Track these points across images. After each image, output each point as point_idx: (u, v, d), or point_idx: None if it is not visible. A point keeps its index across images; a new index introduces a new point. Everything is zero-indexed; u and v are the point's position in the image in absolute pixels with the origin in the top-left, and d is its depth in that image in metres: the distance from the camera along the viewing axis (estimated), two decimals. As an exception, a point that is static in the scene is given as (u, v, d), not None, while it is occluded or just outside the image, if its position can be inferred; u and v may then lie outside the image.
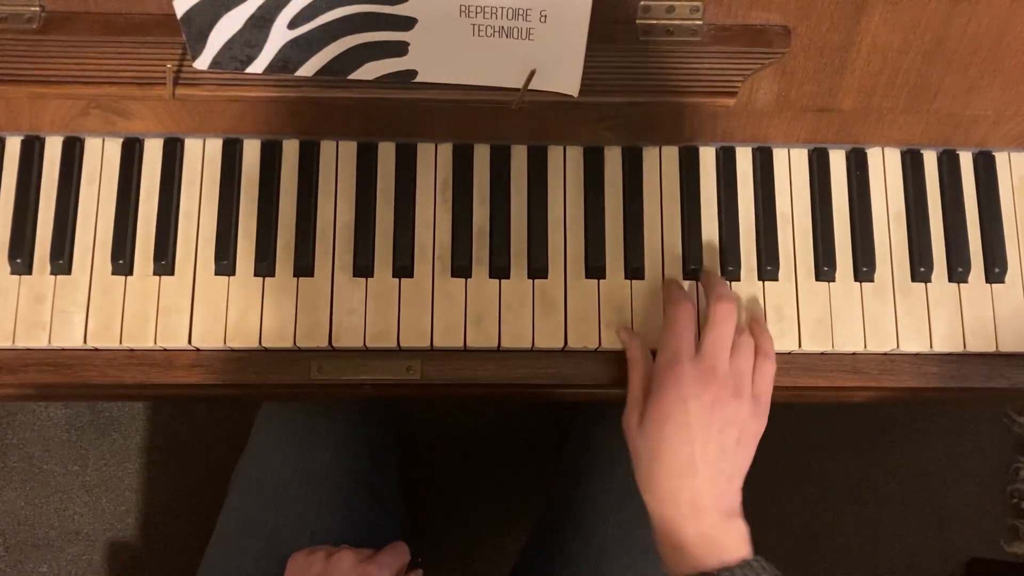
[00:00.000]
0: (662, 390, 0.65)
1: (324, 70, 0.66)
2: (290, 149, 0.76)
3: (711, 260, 0.75)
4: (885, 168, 0.78)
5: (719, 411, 0.64)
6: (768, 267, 0.75)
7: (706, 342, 0.67)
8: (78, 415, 1.44)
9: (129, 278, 0.73)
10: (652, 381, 0.67)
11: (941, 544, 1.45)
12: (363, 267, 0.74)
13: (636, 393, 0.68)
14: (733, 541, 0.63)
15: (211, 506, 0.88)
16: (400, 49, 0.65)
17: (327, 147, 0.76)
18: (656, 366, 0.67)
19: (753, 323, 0.72)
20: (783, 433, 1.46)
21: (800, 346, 0.74)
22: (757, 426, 0.66)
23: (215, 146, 0.75)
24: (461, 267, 0.74)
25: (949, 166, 0.77)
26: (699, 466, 0.63)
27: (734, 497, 0.65)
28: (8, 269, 0.73)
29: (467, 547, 1.39)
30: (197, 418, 1.43)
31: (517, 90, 0.67)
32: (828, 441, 1.47)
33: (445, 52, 0.64)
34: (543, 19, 0.62)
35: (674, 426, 0.64)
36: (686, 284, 0.75)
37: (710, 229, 0.76)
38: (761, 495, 1.45)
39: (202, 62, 0.65)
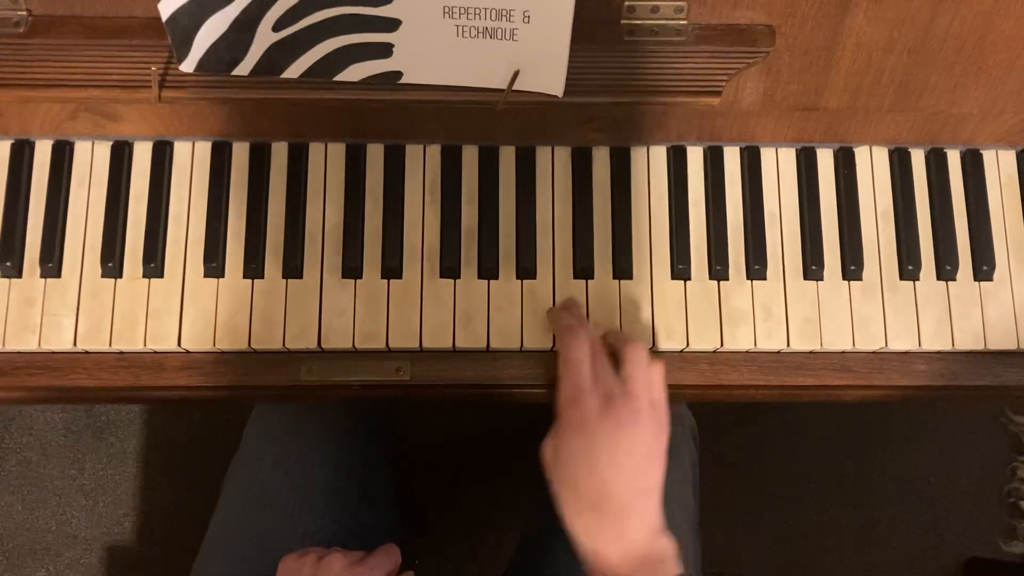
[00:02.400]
0: (567, 428, 0.64)
1: (310, 72, 0.66)
2: (278, 151, 0.76)
3: (699, 260, 0.75)
4: (873, 167, 0.78)
5: (624, 435, 0.63)
6: (756, 266, 0.75)
7: (596, 373, 0.66)
8: (75, 419, 1.44)
9: (118, 281, 0.74)
10: (559, 415, 0.66)
11: (938, 544, 1.45)
12: (352, 268, 0.74)
13: (555, 425, 0.67)
14: (662, 559, 0.62)
15: (208, 509, 0.88)
16: (385, 51, 0.65)
17: (315, 149, 0.76)
18: (559, 403, 0.66)
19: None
20: (779, 434, 1.46)
21: (788, 345, 0.74)
22: (662, 436, 0.66)
23: (204, 149, 0.76)
24: (450, 268, 0.74)
25: (937, 164, 0.78)
26: (615, 491, 0.62)
27: (655, 514, 0.64)
28: (-2, 272, 0.73)
29: (460, 548, 1.39)
30: (193, 421, 1.43)
31: (502, 91, 0.67)
32: (824, 442, 1.47)
33: (430, 53, 0.65)
34: (527, 20, 0.62)
35: (583, 457, 0.63)
36: (675, 283, 0.75)
37: (698, 229, 0.76)
38: (758, 496, 1.45)
39: (188, 65, 0.65)
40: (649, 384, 0.67)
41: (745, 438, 1.46)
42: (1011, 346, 0.75)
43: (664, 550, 0.63)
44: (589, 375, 0.66)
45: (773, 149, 0.77)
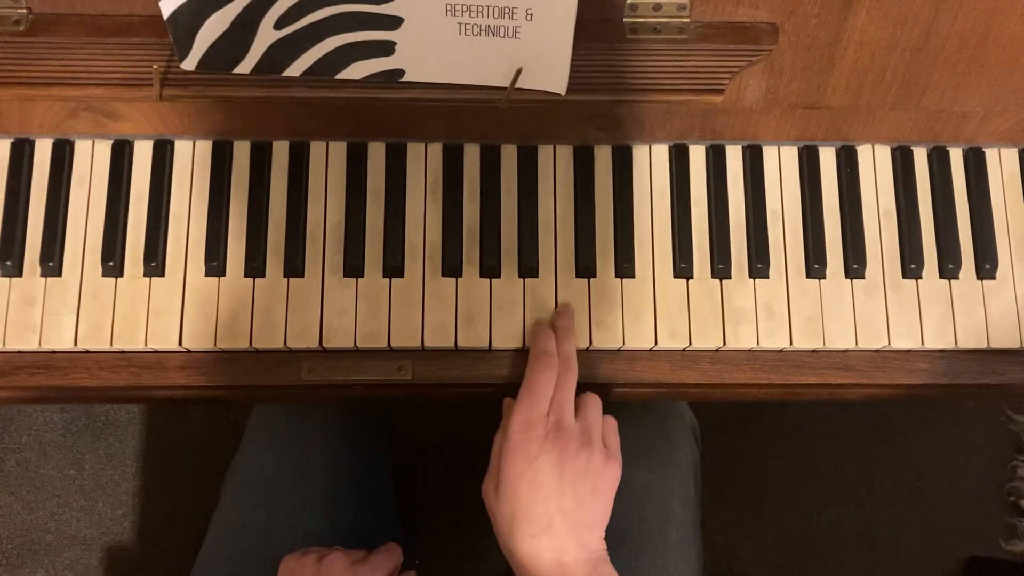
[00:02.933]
0: (512, 453, 0.64)
1: (311, 70, 0.66)
2: (280, 150, 0.76)
3: (701, 258, 0.75)
4: (875, 165, 0.78)
5: (570, 464, 0.63)
6: (758, 265, 0.75)
7: (553, 400, 0.66)
8: (74, 419, 1.44)
9: (119, 280, 0.73)
10: (505, 444, 0.65)
11: (939, 543, 1.45)
12: (353, 267, 0.74)
13: (495, 461, 0.67)
14: None
15: (208, 509, 0.88)
16: (387, 49, 0.65)
17: (317, 148, 0.76)
18: (510, 430, 0.65)
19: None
20: (780, 433, 1.46)
21: (791, 343, 0.74)
22: (612, 473, 0.65)
23: (205, 148, 0.75)
24: (452, 267, 0.74)
25: (939, 163, 0.77)
26: (556, 522, 0.62)
27: (598, 546, 0.64)
28: (-2, 272, 0.73)
29: (461, 547, 1.39)
30: (193, 421, 1.43)
31: (505, 89, 0.67)
32: (825, 441, 1.47)
33: (432, 51, 0.64)
34: (529, 17, 0.62)
35: (527, 487, 0.63)
36: (677, 282, 0.75)
37: (700, 227, 0.76)
38: (758, 496, 1.45)
39: (189, 63, 0.65)
40: (608, 428, 0.68)
41: (746, 437, 1.46)
42: (1014, 344, 0.75)
43: None
44: (544, 407, 0.66)
45: (775, 147, 0.77)
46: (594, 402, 0.69)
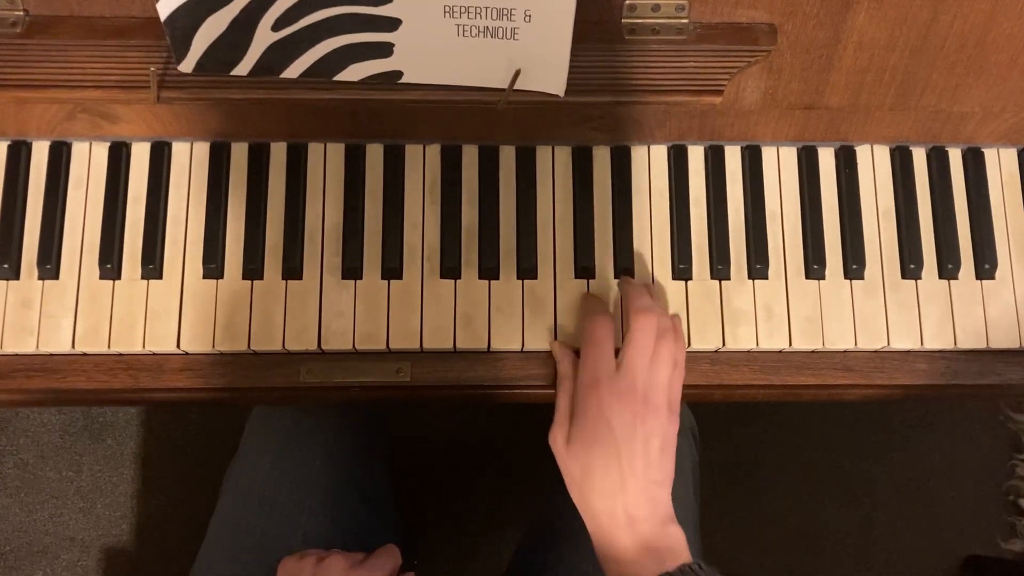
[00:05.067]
0: (586, 410, 0.66)
1: (309, 72, 0.66)
2: (278, 152, 0.75)
3: (700, 259, 0.75)
4: (874, 165, 0.78)
5: (641, 425, 0.65)
6: (758, 265, 0.75)
7: (626, 357, 0.67)
8: (72, 421, 1.44)
9: (117, 282, 0.73)
10: (576, 400, 0.68)
11: (938, 542, 1.45)
12: (352, 269, 0.74)
13: (563, 411, 0.69)
14: (671, 547, 0.64)
15: (206, 511, 0.87)
16: (385, 50, 0.65)
17: (315, 149, 0.76)
18: (578, 385, 0.68)
19: (678, 325, 0.72)
20: (778, 433, 1.46)
21: (790, 344, 0.74)
22: (674, 431, 0.67)
23: (202, 149, 0.75)
24: (450, 268, 0.74)
25: (938, 163, 0.77)
26: (629, 480, 0.64)
27: (666, 504, 0.66)
28: (-5, 274, 0.73)
29: (461, 548, 1.39)
30: (191, 423, 1.43)
31: (503, 90, 0.67)
32: (824, 440, 1.47)
33: (430, 53, 0.64)
34: (528, 19, 0.62)
35: (601, 445, 0.65)
36: (676, 283, 0.75)
37: (699, 228, 0.76)
38: (758, 494, 1.45)
39: (186, 65, 0.65)
40: (671, 383, 0.68)
41: (744, 437, 1.46)
42: (1013, 344, 0.75)
43: (674, 539, 0.64)
44: (612, 362, 0.67)
45: (774, 148, 0.77)
46: (666, 357, 0.68)
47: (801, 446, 1.46)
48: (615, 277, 0.75)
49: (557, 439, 0.68)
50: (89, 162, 0.75)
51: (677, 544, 0.64)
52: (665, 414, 0.66)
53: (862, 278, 0.75)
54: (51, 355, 0.73)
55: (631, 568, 0.63)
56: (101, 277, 0.73)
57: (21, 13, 0.65)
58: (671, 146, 0.77)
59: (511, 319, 0.74)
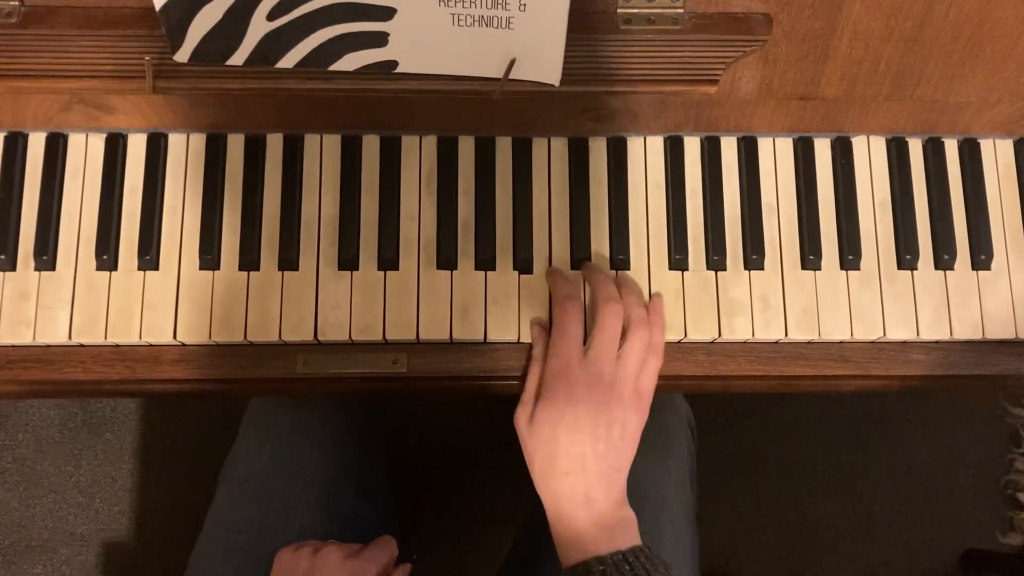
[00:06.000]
0: (554, 394, 0.68)
1: (304, 62, 0.66)
2: (274, 143, 0.75)
3: (697, 250, 0.75)
4: (870, 156, 0.77)
5: (604, 413, 0.67)
6: (754, 256, 0.75)
7: (594, 345, 0.69)
8: (71, 415, 1.44)
9: (114, 274, 0.73)
10: (544, 383, 0.69)
11: (936, 536, 1.45)
12: (348, 260, 0.74)
13: (530, 392, 0.71)
14: (624, 529, 0.67)
15: (205, 505, 0.88)
16: (380, 40, 0.64)
17: (311, 140, 0.76)
18: (547, 370, 0.69)
19: (653, 314, 0.72)
20: (776, 426, 1.46)
21: (786, 335, 0.74)
22: (638, 420, 0.69)
23: (199, 141, 0.75)
24: (447, 259, 0.74)
25: (934, 153, 0.77)
26: (590, 464, 0.67)
27: (622, 488, 0.68)
28: (-8, 266, 0.73)
29: (458, 541, 1.39)
30: (190, 417, 1.43)
31: (498, 80, 0.67)
32: (822, 434, 1.47)
33: (425, 42, 0.64)
34: (523, 8, 0.62)
35: (565, 429, 0.67)
36: (672, 274, 0.75)
37: (695, 219, 0.76)
38: (755, 488, 1.45)
39: (182, 55, 0.65)
40: (647, 373, 0.70)
41: (742, 430, 1.46)
42: (1009, 335, 0.75)
43: (626, 520, 0.68)
44: (580, 348, 0.69)
45: (770, 139, 0.77)
46: (637, 348, 0.69)
47: (799, 440, 1.46)
48: (612, 268, 0.75)
49: (520, 419, 0.70)
50: (85, 153, 0.75)
51: (630, 526, 0.67)
52: (629, 403, 0.68)
53: (858, 269, 0.75)
54: (48, 346, 0.73)
55: (587, 545, 0.65)
56: (98, 268, 0.73)
57: (16, 3, 0.65)
58: (667, 137, 0.77)
59: (507, 310, 0.74)
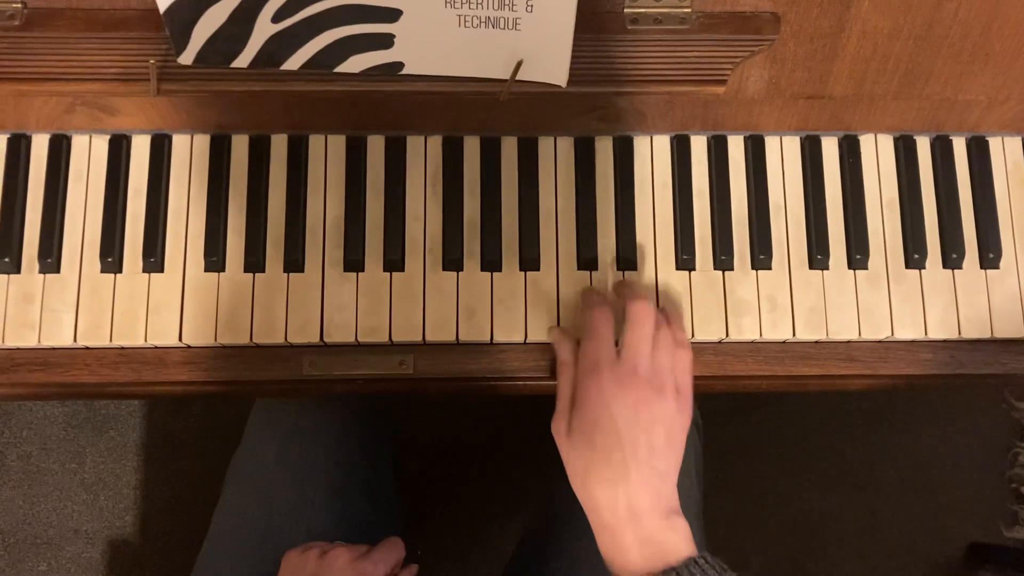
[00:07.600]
0: (586, 398, 0.64)
1: (309, 64, 0.65)
2: (278, 144, 0.75)
3: (704, 250, 0.75)
4: (878, 154, 0.77)
5: (644, 411, 0.63)
6: (761, 256, 0.75)
7: (626, 343, 0.66)
8: (75, 413, 1.44)
9: (118, 276, 0.73)
10: (577, 387, 0.66)
11: (940, 530, 1.45)
12: (353, 262, 0.73)
13: (564, 399, 0.67)
14: (675, 541, 0.62)
15: (209, 503, 0.87)
16: (386, 41, 0.64)
17: (316, 141, 0.75)
18: (579, 373, 0.66)
19: (671, 314, 0.71)
20: (781, 422, 1.46)
21: (794, 335, 0.74)
22: (683, 419, 0.66)
23: (203, 142, 0.75)
24: (452, 260, 0.74)
25: (942, 152, 0.77)
26: (631, 470, 0.62)
27: (671, 495, 0.64)
28: (-4, 269, 0.73)
29: (465, 541, 1.39)
30: (194, 415, 1.43)
31: (505, 81, 0.66)
32: (826, 429, 1.47)
33: (431, 44, 0.64)
34: (529, 9, 0.61)
35: (602, 433, 0.63)
36: (679, 274, 0.75)
37: (703, 218, 0.76)
38: (760, 483, 1.45)
39: (186, 57, 0.64)
40: (680, 368, 0.67)
41: (747, 426, 1.46)
42: (1017, 334, 0.75)
43: (679, 532, 0.62)
44: (612, 349, 0.66)
45: (778, 138, 0.77)
46: (667, 342, 0.67)
47: (804, 435, 1.46)
48: (618, 268, 0.74)
49: (559, 428, 0.66)
50: (89, 155, 0.74)
51: (682, 537, 0.62)
52: (671, 400, 0.65)
53: (866, 268, 0.75)
54: (53, 349, 0.73)
55: (634, 561, 0.61)
56: (102, 271, 0.73)
57: (19, 6, 0.64)
58: (674, 136, 0.76)
59: (514, 311, 0.73)
